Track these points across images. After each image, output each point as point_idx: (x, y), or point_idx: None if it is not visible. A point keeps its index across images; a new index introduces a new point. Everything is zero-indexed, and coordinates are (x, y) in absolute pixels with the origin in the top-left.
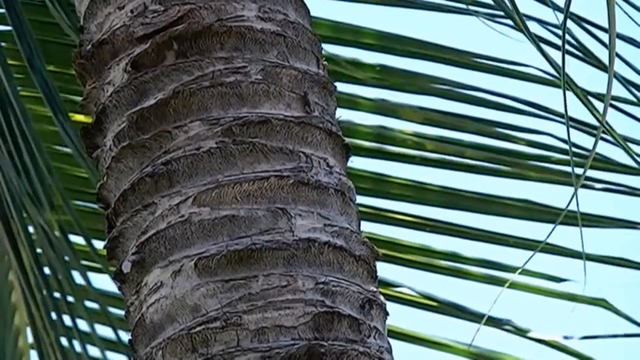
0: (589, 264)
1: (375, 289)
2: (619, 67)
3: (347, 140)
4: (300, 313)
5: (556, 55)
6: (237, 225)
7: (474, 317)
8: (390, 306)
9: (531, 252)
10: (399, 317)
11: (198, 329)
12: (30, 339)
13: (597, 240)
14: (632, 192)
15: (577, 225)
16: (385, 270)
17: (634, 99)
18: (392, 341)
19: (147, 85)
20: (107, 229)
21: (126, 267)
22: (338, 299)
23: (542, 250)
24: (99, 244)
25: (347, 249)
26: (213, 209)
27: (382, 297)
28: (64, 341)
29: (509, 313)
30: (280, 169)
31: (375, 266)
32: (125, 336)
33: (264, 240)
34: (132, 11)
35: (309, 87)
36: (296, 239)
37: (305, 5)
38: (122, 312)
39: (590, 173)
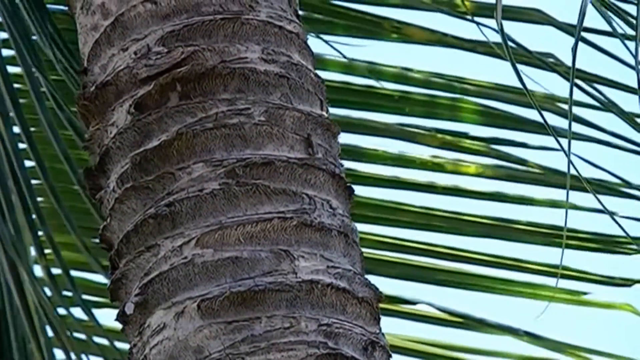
0: None
1: (378, 331)
2: None
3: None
4: (303, 355)
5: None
6: (240, 267)
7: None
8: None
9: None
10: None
11: None
12: None
13: None
14: None
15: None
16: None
17: None
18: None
19: (150, 127)
20: (110, 271)
21: (129, 308)
22: (341, 340)
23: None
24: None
25: (350, 291)
26: (216, 251)
27: (385, 339)
28: None
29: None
30: (283, 211)
31: (378, 308)
32: None
33: (266, 282)
34: (135, 53)
35: (312, 129)
36: (299, 280)
37: (308, 47)
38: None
39: None
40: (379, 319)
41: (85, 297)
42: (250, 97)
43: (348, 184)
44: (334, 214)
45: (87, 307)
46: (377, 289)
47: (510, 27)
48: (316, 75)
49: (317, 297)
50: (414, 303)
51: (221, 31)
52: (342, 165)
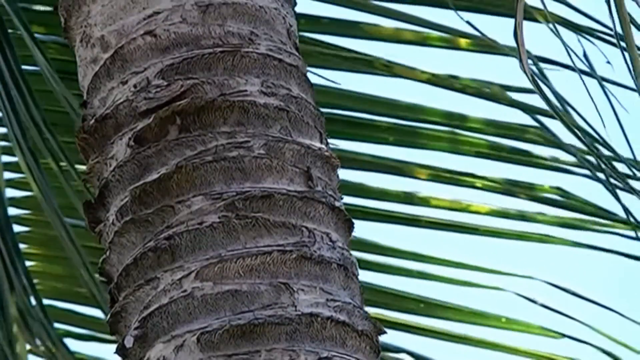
0: None
1: None
2: None
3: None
4: None
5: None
6: (239, 300)
7: None
8: None
9: None
10: None
11: None
12: None
13: None
14: None
15: None
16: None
17: None
18: None
19: (150, 160)
20: (110, 304)
21: (129, 341)
22: None
23: None
24: None
25: (350, 324)
26: (216, 284)
27: None
28: None
29: None
30: (283, 244)
31: (377, 341)
32: None
33: (266, 315)
34: (135, 86)
35: (312, 162)
36: (299, 313)
37: (308, 79)
38: None
39: None
40: (379, 352)
41: (84, 331)
42: (250, 130)
43: (348, 217)
44: (334, 247)
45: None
46: (376, 322)
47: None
48: (315, 108)
49: (317, 330)
50: (396, 351)
51: (221, 64)
52: (341, 198)
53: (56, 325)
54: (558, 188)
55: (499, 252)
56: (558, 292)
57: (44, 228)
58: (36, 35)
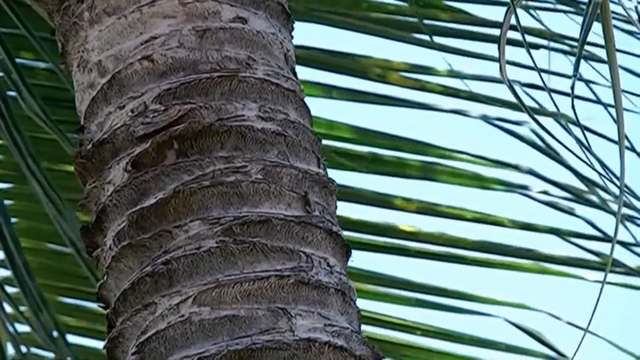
0: None
1: None
2: None
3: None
4: None
5: None
6: (237, 325)
7: None
8: None
9: None
10: None
11: None
12: None
13: None
14: None
15: None
16: None
17: None
18: None
19: (147, 185)
20: (107, 329)
21: None
22: None
23: None
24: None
25: (348, 349)
26: (213, 309)
27: None
28: None
29: None
30: (280, 269)
31: None
32: None
33: (264, 340)
34: (132, 110)
35: (310, 187)
36: (296, 338)
37: (305, 104)
38: None
39: None
40: None
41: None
42: (247, 155)
43: (345, 242)
44: (331, 271)
45: None
46: (374, 347)
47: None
48: (313, 132)
49: (315, 356)
50: None
51: (218, 89)
52: (339, 223)
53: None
54: (552, 228)
55: (490, 279)
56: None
57: None
58: (25, 61)
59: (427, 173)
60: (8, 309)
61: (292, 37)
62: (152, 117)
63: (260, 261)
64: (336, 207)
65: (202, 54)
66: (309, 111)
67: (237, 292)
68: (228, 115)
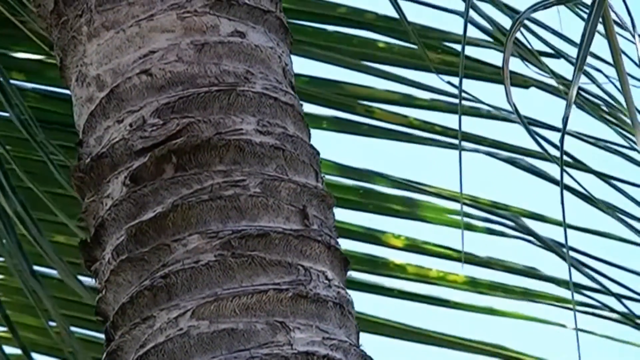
0: None
1: None
2: None
3: None
4: None
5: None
6: (235, 339)
7: None
8: None
9: None
10: None
11: None
12: None
13: None
14: None
15: None
16: None
17: None
18: None
19: (146, 199)
20: (106, 342)
21: None
22: None
23: None
24: None
25: None
26: (212, 322)
27: None
28: None
29: None
30: (279, 282)
31: None
32: None
33: (262, 354)
34: (131, 125)
35: (308, 201)
36: (295, 352)
37: (303, 118)
38: None
39: None
40: None
41: None
42: (246, 169)
43: (343, 255)
44: (330, 285)
45: None
46: (372, 359)
47: None
48: (311, 146)
49: None
50: None
51: (216, 103)
52: (337, 237)
53: None
54: (532, 268)
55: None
56: None
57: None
58: (15, 82)
59: None
60: None
61: (290, 51)
62: (151, 131)
63: (259, 275)
64: (334, 221)
65: (201, 68)
66: (307, 125)
67: (235, 305)
68: (226, 129)
